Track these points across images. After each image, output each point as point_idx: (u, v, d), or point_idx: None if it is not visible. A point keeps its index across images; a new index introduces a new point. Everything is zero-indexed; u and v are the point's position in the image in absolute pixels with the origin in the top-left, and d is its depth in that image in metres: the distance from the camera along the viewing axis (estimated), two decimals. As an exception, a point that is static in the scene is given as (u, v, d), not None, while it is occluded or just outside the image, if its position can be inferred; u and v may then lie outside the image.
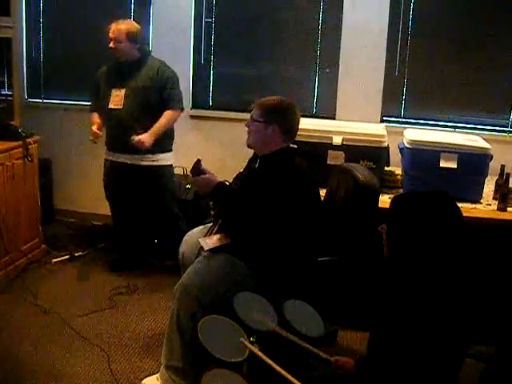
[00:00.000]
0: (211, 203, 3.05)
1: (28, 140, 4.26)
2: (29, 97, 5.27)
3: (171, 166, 4.29)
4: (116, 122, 4.09)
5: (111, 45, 4.01)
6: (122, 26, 4.01)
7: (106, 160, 4.29)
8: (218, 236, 2.92)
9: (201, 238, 2.99)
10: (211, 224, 3.08)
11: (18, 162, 4.19)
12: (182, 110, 4.21)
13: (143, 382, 3.00)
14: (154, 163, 4.14)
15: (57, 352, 3.29)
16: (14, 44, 4.57)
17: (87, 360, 3.23)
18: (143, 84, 4.04)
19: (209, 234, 3.02)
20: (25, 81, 5.23)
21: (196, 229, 3.26)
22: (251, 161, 3.15)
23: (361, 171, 3.12)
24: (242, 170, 3.25)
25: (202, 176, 2.85)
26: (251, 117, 2.95)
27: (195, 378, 2.25)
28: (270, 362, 1.96)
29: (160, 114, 4.04)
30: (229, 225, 2.92)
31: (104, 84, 4.17)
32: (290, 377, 1.89)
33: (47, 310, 3.70)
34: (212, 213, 3.36)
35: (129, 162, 4.13)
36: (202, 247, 2.96)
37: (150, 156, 4.10)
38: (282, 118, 2.90)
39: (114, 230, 4.51)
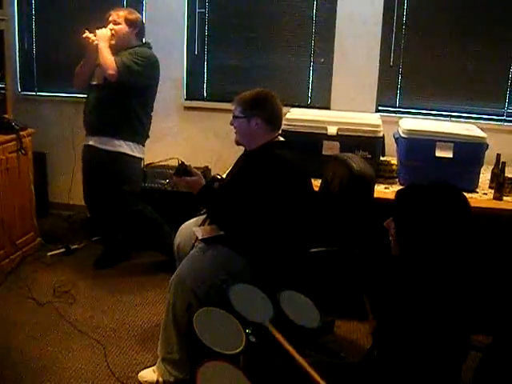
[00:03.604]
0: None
1: (22, 133, 4.24)
2: (22, 89, 5.24)
3: (135, 157, 4.09)
4: (91, 101, 4.06)
5: (109, 27, 3.96)
6: (120, 12, 4.00)
7: (84, 146, 4.21)
8: (212, 226, 2.92)
9: (195, 228, 2.99)
10: (205, 215, 3.07)
11: (11, 155, 4.16)
12: (119, 74, 3.82)
13: (140, 374, 2.99)
14: (111, 148, 4.01)
15: (53, 345, 3.28)
16: (7, 37, 4.53)
17: (83, 353, 3.22)
18: None
19: (203, 224, 3.01)
20: (18, 73, 5.20)
21: (190, 220, 3.25)
22: (240, 158, 3.15)
23: (356, 161, 3.12)
24: (231, 167, 3.25)
25: (185, 178, 2.83)
26: (233, 114, 2.96)
27: (192, 370, 2.24)
28: (288, 346, 1.96)
29: (133, 100, 3.96)
30: (217, 224, 2.91)
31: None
32: (305, 364, 1.89)
33: (43, 304, 3.69)
34: None
35: (93, 143, 4.06)
36: (197, 238, 2.95)
37: (110, 140, 4.00)
38: (262, 109, 2.90)
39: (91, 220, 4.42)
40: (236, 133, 2.99)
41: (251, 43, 4.78)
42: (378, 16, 4.39)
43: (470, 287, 1.91)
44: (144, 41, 4.16)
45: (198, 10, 4.77)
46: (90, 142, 4.09)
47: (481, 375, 1.95)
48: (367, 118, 3.90)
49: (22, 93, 5.23)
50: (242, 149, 3.17)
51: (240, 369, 1.91)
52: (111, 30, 3.96)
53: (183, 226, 3.25)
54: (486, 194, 3.61)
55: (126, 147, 4.04)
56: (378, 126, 3.74)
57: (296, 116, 3.89)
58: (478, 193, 3.61)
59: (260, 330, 2.09)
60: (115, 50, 3.96)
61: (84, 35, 3.92)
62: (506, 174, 3.52)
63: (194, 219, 3.22)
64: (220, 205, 2.82)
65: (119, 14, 3.99)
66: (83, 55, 4.08)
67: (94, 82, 4.05)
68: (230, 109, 4.64)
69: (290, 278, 2.71)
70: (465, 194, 1.99)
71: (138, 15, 4.12)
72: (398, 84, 4.55)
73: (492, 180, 3.68)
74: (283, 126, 3.72)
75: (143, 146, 4.17)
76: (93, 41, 3.90)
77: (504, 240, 3.55)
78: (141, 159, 4.18)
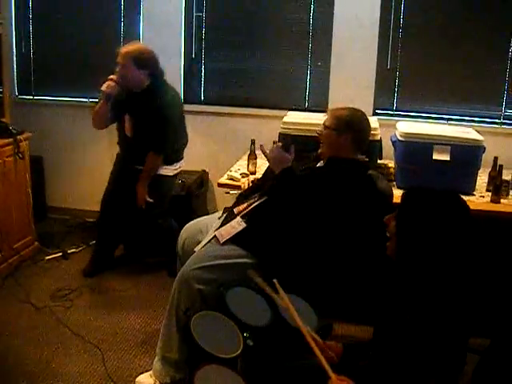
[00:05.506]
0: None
1: (19, 137, 4.23)
2: (19, 93, 5.24)
3: (167, 176, 4.08)
4: (126, 147, 4.08)
5: (117, 70, 3.79)
6: (129, 49, 3.77)
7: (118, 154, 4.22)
8: (232, 224, 2.91)
9: (216, 232, 2.94)
10: (224, 215, 3.06)
11: (9, 159, 4.16)
12: (163, 154, 3.96)
13: (137, 379, 2.98)
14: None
15: (50, 350, 3.27)
16: (4, 40, 4.51)
17: (81, 357, 3.22)
18: (145, 117, 3.85)
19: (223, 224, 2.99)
20: (15, 77, 5.19)
21: (197, 220, 3.25)
22: (301, 163, 3.16)
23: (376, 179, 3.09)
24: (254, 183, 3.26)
25: (282, 151, 2.95)
26: (324, 124, 3.03)
27: (189, 373, 2.24)
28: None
29: None
30: (272, 204, 2.91)
31: (123, 101, 3.95)
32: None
33: (40, 308, 3.69)
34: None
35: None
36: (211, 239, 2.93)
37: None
38: (355, 129, 2.96)
39: (99, 225, 4.37)
40: (322, 143, 3.04)
41: (248, 46, 4.78)
42: (375, 19, 4.39)
43: (467, 290, 1.91)
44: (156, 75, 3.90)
45: (195, 14, 4.77)
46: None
47: (479, 378, 1.95)
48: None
49: (20, 96, 5.22)
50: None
51: (237, 372, 1.91)
52: (114, 79, 3.81)
53: (188, 224, 3.22)
54: (483, 196, 3.61)
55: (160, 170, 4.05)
56: (375, 129, 3.73)
57: (293, 119, 3.88)
58: (475, 195, 3.61)
59: (257, 333, 2.09)
60: (128, 90, 3.88)
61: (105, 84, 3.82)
62: (503, 177, 3.53)
63: (201, 218, 3.23)
64: (294, 190, 2.85)
65: (126, 56, 3.75)
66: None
67: (127, 134, 3.99)
68: (227, 112, 4.68)
69: (292, 282, 2.69)
70: (462, 196, 2.00)
71: (150, 53, 3.83)
72: (395, 87, 4.55)
73: (489, 183, 3.68)
74: (280, 130, 3.74)
75: (177, 161, 4.15)
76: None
77: (501, 243, 3.55)
78: (174, 176, 4.16)
